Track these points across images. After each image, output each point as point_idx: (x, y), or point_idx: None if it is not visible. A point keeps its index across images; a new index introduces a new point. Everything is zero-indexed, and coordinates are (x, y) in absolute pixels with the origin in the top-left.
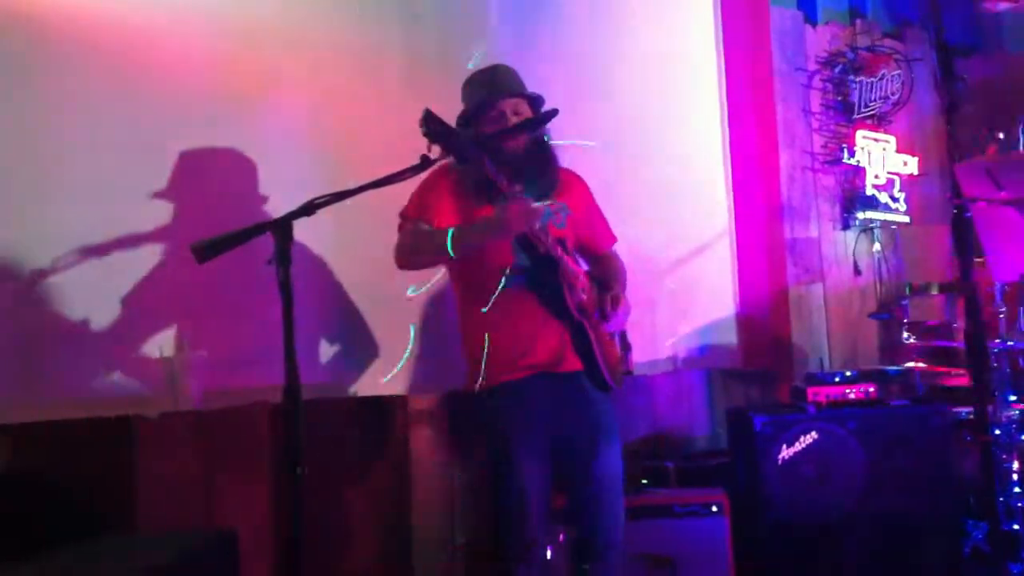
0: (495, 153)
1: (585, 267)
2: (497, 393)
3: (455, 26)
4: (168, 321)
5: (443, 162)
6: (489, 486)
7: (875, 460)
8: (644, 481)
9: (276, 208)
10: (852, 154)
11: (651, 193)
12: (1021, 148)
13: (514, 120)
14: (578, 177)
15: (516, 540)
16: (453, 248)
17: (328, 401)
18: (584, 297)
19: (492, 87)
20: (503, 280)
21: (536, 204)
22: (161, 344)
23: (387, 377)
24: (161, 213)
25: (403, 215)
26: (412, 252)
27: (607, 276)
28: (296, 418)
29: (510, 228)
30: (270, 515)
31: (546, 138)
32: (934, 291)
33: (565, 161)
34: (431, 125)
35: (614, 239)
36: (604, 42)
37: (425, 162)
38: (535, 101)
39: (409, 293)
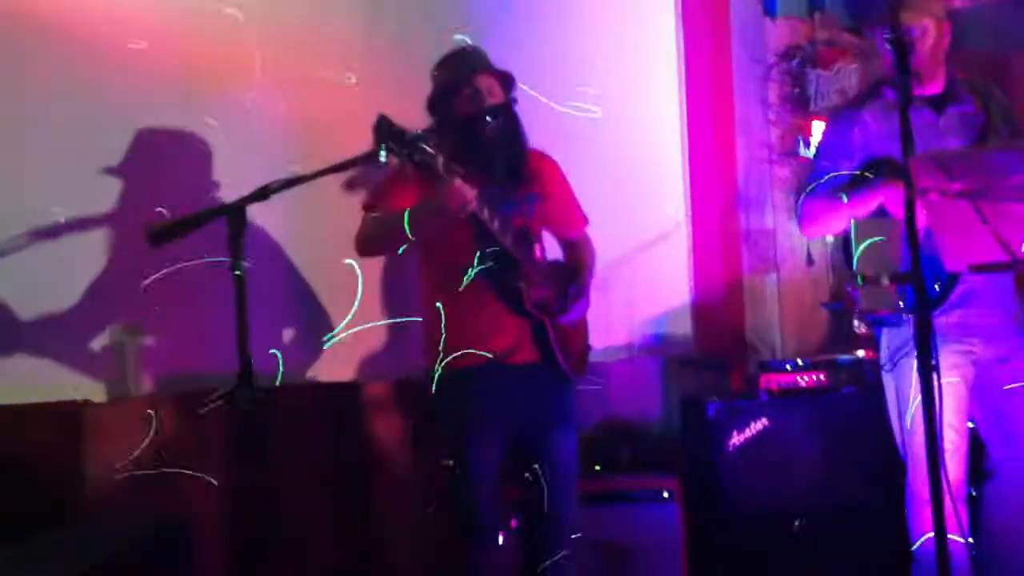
0: (465, 140)
1: (553, 256)
2: (451, 379)
3: (418, 15)
4: (120, 306)
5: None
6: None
7: (825, 447)
8: (597, 467)
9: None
10: (808, 145)
11: (607, 180)
12: None
13: (489, 100)
14: (549, 159)
15: (468, 524)
16: (410, 228)
17: (283, 388)
18: (545, 292)
19: (468, 62)
20: (465, 273)
21: (464, 186)
22: (113, 329)
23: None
24: (114, 197)
25: (364, 205)
26: (371, 238)
27: (575, 263)
28: (250, 405)
29: (447, 205)
30: (222, 503)
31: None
32: (885, 281)
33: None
34: (385, 134)
35: (585, 222)
36: (562, 25)
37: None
38: (506, 78)
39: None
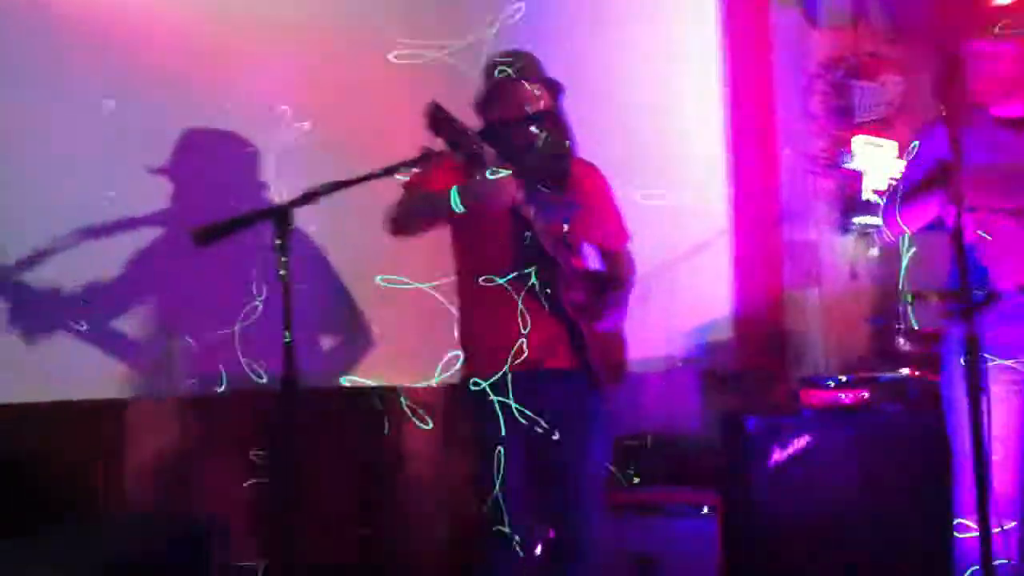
0: (506, 144)
1: (592, 264)
2: (483, 386)
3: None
4: (162, 305)
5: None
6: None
7: (867, 465)
8: (636, 479)
9: (276, 196)
10: (852, 158)
11: (650, 189)
12: None
13: (533, 108)
14: (594, 169)
15: (495, 533)
16: (459, 200)
17: (322, 391)
18: (582, 296)
19: (511, 70)
20: (502, 271)
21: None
22: (153, 328)
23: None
24: (158, 196)
25: (404, 187)
26: (410, 213)
27: (613, 274)
28: (293, 407)
29: (493, 195)
30: (255, 504)
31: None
32: (933, 299)
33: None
34: (438, 120)
35: (627, 237)
36: (605, 40)
37: (426, 156)
38: (554, 86)
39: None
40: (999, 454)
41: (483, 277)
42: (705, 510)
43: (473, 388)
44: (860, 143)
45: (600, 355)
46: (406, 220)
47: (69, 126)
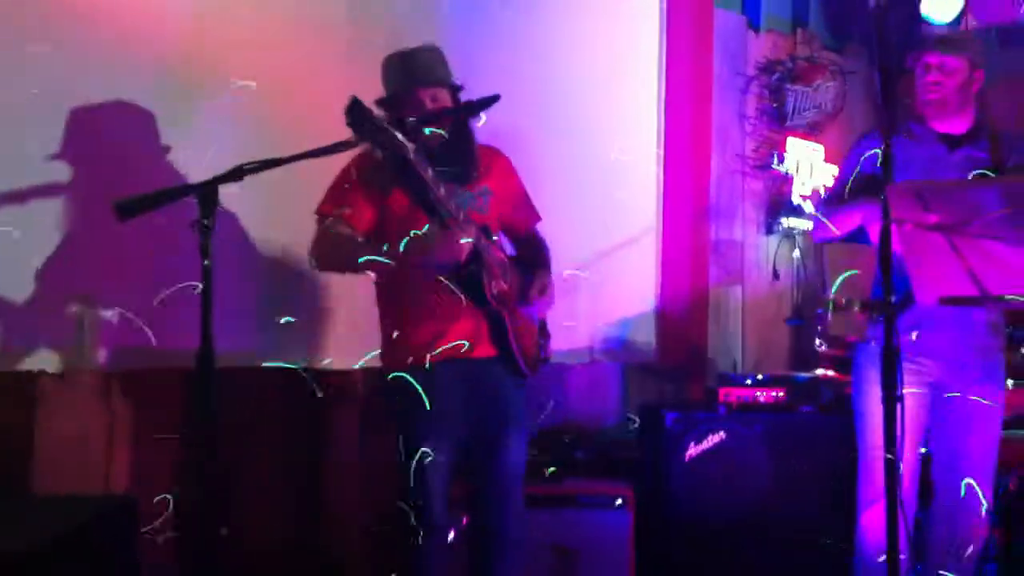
0: (414, 138)
1: (509, 251)
2: (407, 377)
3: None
4: (80, 277)
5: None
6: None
7: (779, 464)
8: (552, 470)
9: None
10: (782, 160)
11: (581, 182)
12: None
13: (434, 106)
14: (499, 154)
15: (421, 523)
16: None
17: (242, 370)
18: (504, 285)
19: (411, 74)
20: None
21: (465, 238)
22: (71, 300)
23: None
24: (76, 170)
25: (319, 212)
26: (335, 260)
27: (532, 258)
28: (208, 385)
29: (440, 256)
30: (172, 483)
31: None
32: (855, 308)
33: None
34: (357, 117)
35: (538, 218)
36: (546, 29)
37: (346, 143)
38: (454, 90)
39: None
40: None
41: (403, 271)
42: (619, 502)
43: (395, 379)
44: (792, 146)
45: (520, 344)
46: (331, 263)
47: None
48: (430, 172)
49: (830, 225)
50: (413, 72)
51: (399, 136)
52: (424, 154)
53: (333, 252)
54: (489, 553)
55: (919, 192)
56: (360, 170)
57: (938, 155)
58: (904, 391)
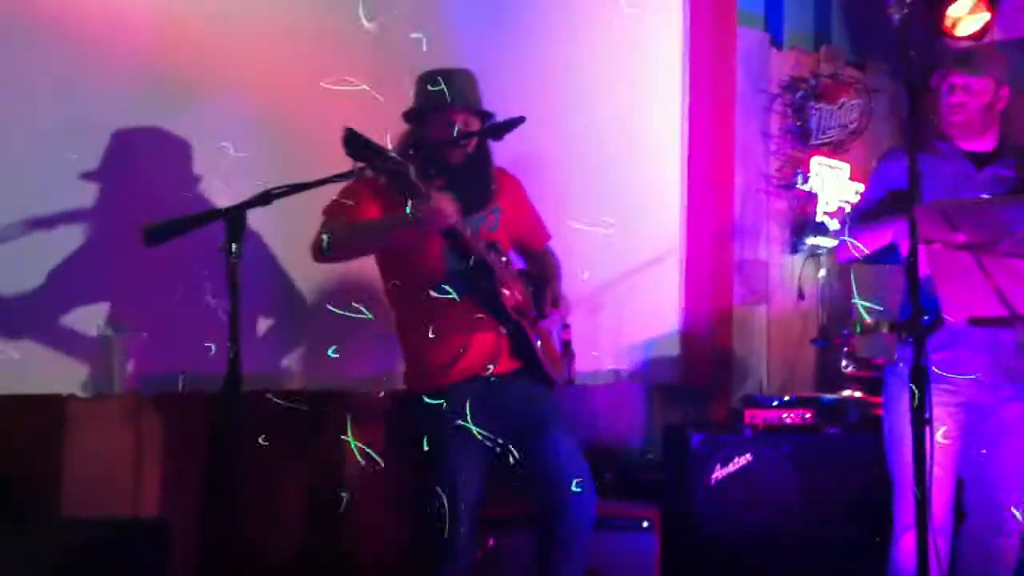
0: (434, 160)
1: (521, 266)
2: (430, 398)
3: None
4: (109, 301)
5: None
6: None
7: (806, 485)
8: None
9: (222, 196)
10: (806, 179)
11: (604, 202)
12: None
13: (462, 130)
14: (510, 176)
15: (443, 543)
16: (383, 238)
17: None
18: (520, 298)
19: (447, 94)
20: (437, 286)
21: (450, 202)
22: (99, 323)
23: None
24: (104, 191)
25: (326, 212)
26: (338, 243)
27: (543, 273)
28: (232, 408)
29: (427, 219)
30: (200, 506)
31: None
32: (884, 329)
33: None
34: (354, 146)
35: (549, 236)
36: (568, 48)
37: (359, 171)
38: (485, 118)
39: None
40: (935, 475)
41: (418, 289)
42: (645, 524)
43: (422, 403)
44: (815, 164)
45: (545, 350)
46: (333, 251)
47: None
48: (423, 183)
49: (857, 244)
50: (452, 92)
51: (397, 158)
52: (437, 174)
53: (347, 230)
54: (566, 540)
55: (946, 212)
56: (362, 185)
57: (965, 173)
58: (936, 412)
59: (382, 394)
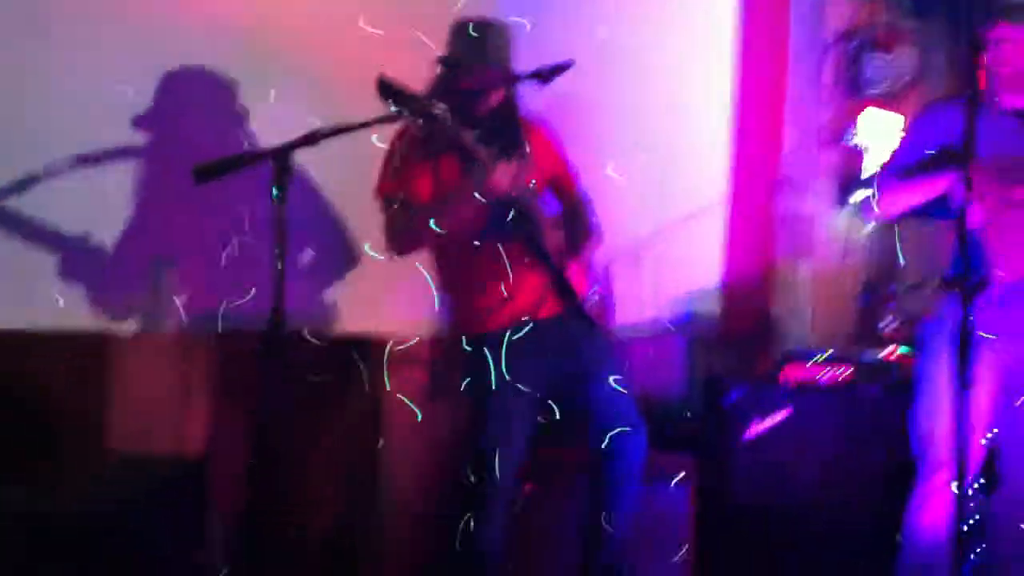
0: (464, 109)
1: (554, 208)
2: (479, 343)
3: None
4: (155, 240)
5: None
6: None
7: (842, 442)
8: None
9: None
10: (855, 134)
11: (648, 151)
12: None
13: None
14: (541, 124)
15: (486, 487)
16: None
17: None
18: (557, 239)
19: (479, 50)
20: (480, 234)
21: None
22: (146, 262)
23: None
24: (158, 133)
25: (383, 195)
26: (411, 240)
27: (573, 213)
28: (277, 352)
29: (490, 188)
30: (242, 447)
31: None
32: (932, 286)
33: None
34: (387, 93)
35: (578, 180)
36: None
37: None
38: (514, 75)
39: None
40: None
41: (463, 237)
42: (680, 476)
43: (463, 346)
44: (866, 117)
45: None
46: (411, 244)
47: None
48: (482, 150)
49: (893, 200)
50: (484, 49)
51: (435, 107)
52: (465, 123)
53: (408, 230)
54: (616, 465)
55: (1003, 167)
56: (404, 144)
57: (1013, 128)
58: (976, 369)
59: (416, 340)
